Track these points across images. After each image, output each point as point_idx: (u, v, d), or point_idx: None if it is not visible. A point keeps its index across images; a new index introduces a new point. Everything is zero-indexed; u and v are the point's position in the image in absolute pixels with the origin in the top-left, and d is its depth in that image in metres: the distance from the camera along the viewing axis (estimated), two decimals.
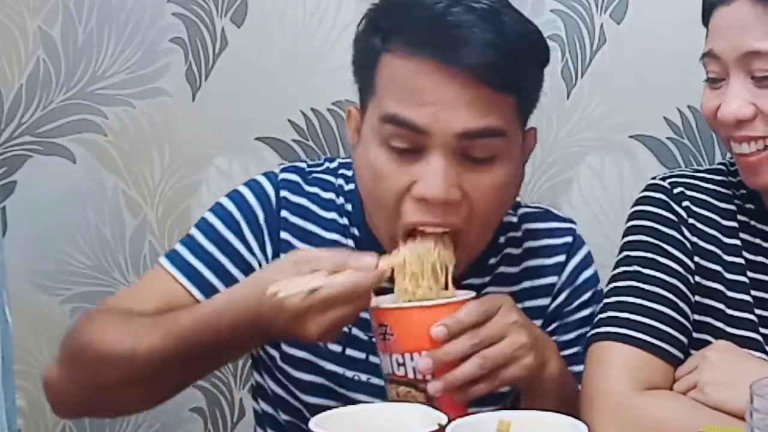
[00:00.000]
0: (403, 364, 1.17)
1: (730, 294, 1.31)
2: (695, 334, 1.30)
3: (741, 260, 1.32)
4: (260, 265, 1.34)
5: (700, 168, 1.43)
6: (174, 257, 1.34)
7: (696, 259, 1.32)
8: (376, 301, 1.23)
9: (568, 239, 1.42)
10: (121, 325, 1.24)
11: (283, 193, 1.36)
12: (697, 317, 1.31)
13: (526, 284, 1.39)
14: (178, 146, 1.80)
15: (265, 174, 1.40)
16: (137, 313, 1.26)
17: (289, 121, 1.77)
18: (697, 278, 1.32)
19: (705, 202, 1.35)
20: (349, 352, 1.35)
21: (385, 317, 1.19)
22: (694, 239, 1.33)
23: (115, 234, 1.82)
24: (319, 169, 1.41)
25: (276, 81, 1.77)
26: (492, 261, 1.38)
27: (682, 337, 1.28)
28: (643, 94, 1.70)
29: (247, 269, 1.33)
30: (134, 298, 1.31)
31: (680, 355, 1.27)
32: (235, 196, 1.38)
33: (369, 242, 1.31)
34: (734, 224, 1.34)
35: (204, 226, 1.36)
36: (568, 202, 1.74)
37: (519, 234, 1.40)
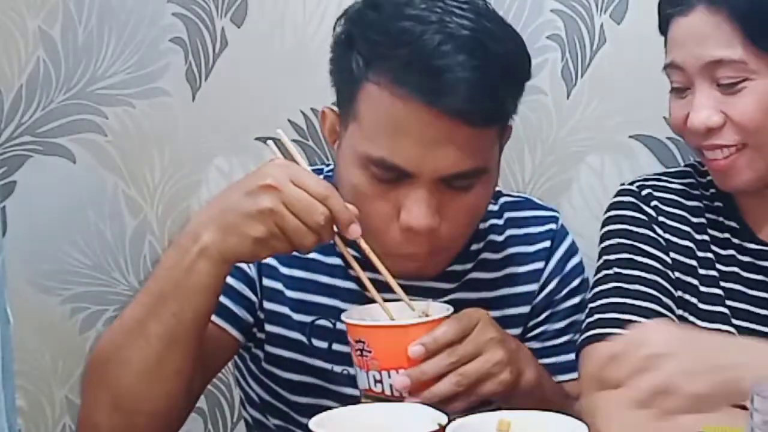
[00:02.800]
0: (380, 381, 1.18)
1: (702, 289, 1.33)
2: None
3: (711, 255, 1.34)
4: (253, 271, 1.35)
5: (668, 170, 1.45)
6: None
7: (672, 255, 1.34)
8: (350, 313, 1.24)
9: (552, 226, 1.44)
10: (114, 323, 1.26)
11: None
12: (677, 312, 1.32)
13: (510, 270, 1.41)
14: (178, 146, 1.80)
15: None
16: None
17: (289, 121, 1.77)
18: (677, 273, 1.33)
19: (673, 201, 1.37)
20: (336, 347, 1.35)
21: (363, 334, 1.19)
22: (667, 236, 1.35)
23: (115, 234, 1.82)
24: None
25: (276, 81, 1.77)
26: (474, 247, 1.39)
27: None
28: (643, 94, 1.69)
29: (245, 280, 1.35)
30: None
31: None
32: None
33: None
34: (703, 221, 1.36)
35: None
36: (568, 202, 1.74)
37: (501, 222, 1.42)
